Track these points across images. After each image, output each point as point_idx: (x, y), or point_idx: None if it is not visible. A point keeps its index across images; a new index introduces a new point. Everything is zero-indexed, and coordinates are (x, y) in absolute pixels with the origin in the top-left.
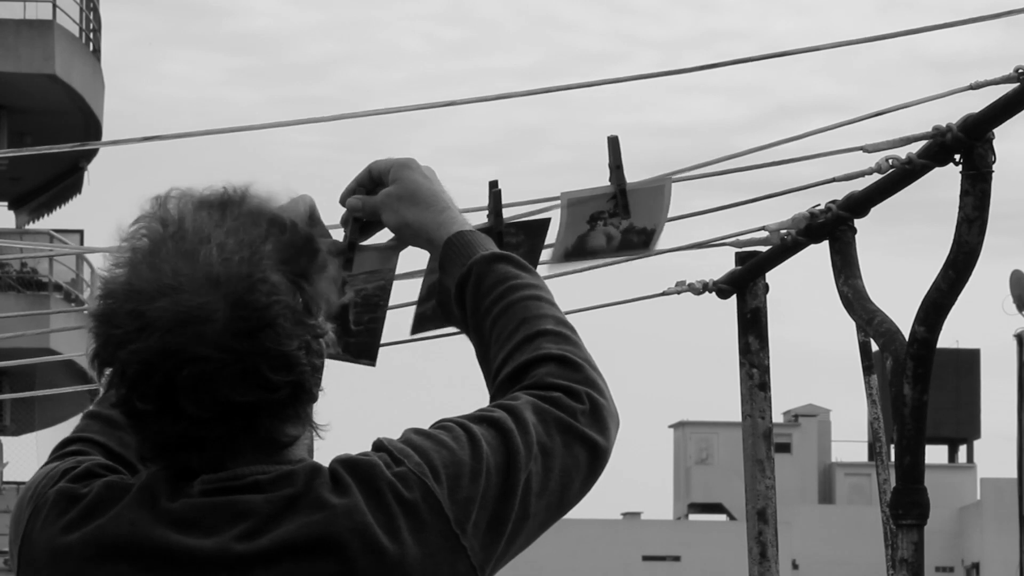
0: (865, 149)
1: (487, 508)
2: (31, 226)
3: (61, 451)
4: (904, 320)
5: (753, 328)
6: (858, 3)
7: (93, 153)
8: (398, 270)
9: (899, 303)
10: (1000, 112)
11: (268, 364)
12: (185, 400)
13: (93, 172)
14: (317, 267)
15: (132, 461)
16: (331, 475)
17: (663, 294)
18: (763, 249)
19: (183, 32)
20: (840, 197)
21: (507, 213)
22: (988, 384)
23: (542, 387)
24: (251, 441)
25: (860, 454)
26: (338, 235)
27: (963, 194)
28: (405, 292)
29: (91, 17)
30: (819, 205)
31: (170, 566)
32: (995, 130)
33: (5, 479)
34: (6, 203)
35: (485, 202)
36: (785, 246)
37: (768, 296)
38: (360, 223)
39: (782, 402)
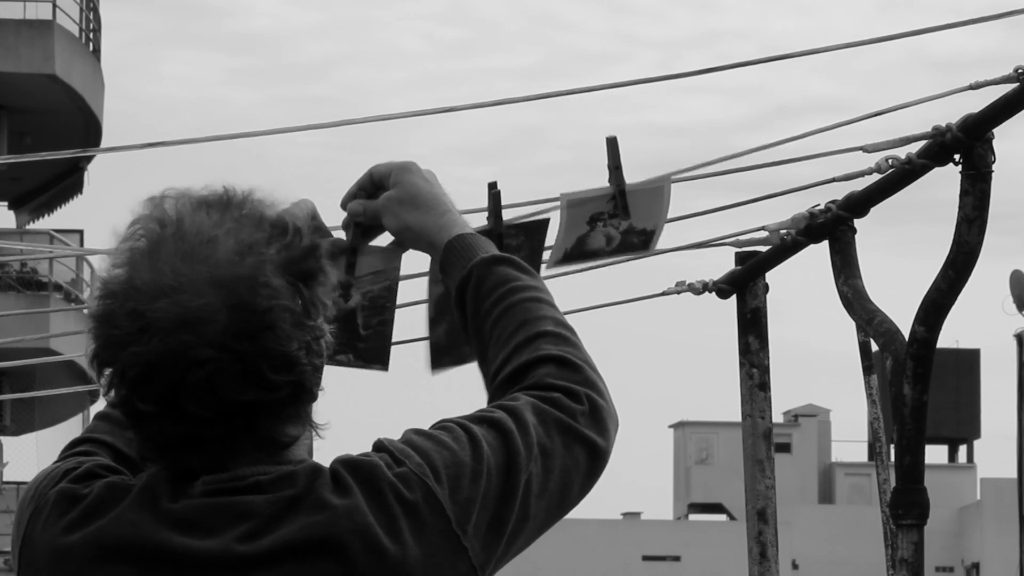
0: (865, 149)
1: (488, 509)
2: (31, 226)
3: (69, 451)
4: (904, 320)
5: (753, 328)
6: (858, 3)
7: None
8: (402, 271)
9: (899, 303)
10: (1000, 112)
11: (268, 365)
12: (186, 401)
13: (93, 172)
14: (317, 270)
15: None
16: (332, 476)
17: (663, 294)
18: (763, 249)
19: (183, 32)
20: (840, 197)
21: (507, 214)
22: (988, 384)
23: (542, 388)
24: (252, 441)
25: (860, 454)
26: (339, 238)
27: (963, 194)
28: (412, 292)
29: (91, 17)
30: (819, 205)
31: (172, 567)
32: (995, 130)
33: (5, 479)
34: (6, 203)
35: (484, 202)
36: (785, 246)
37: (768, 296)
38: (361, 228)
39: (782, 402)
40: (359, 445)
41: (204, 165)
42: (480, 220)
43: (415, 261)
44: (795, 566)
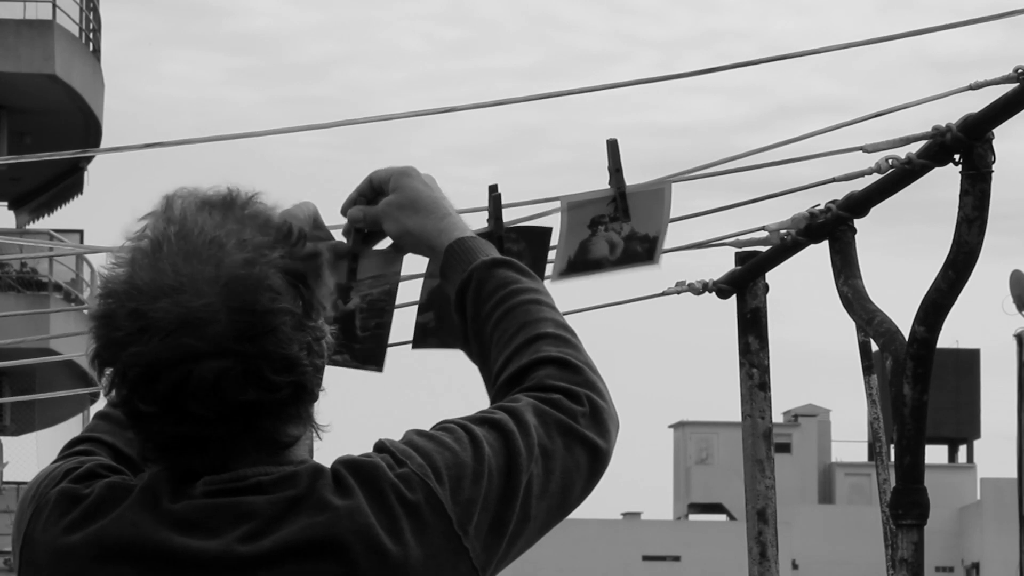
0: (865, 149)
1: (489, 510)
2: (31, 226)
3: (69, 451)
4: (904, 320)
5: (753, 328)
6: (858, 3)
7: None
8: (402, 273)
9: (899, 303)
10: (1000, 112)
11: (270, 366)
12: (187, 401)
13: (93, 172)
14: (319, 271)
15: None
16: (334, 476)
17: (663, 294)
18: (763, 249)
19: (183, 32)
20: (840, 197)
21: (507, 213)
22: (988, 384)
23: (542, 389)
24: (253, 441)
25: (860, 454)
26: (340, 241)
27: (963, 194)
28: (410, 293)
29: (91, 17)
30: (819, 205)
31: (173, 568)
32: (995, 130)
33: (5, 479)
34: (6, 203)
35: (484, 203)
36: (785, 246)
37: (768, 296)
38: (362, 234)
39: (782, 402)
40: (360, 446)
41: (204, 165)
42: (480, 220)
43: (415, 263)
44: (795, 566)
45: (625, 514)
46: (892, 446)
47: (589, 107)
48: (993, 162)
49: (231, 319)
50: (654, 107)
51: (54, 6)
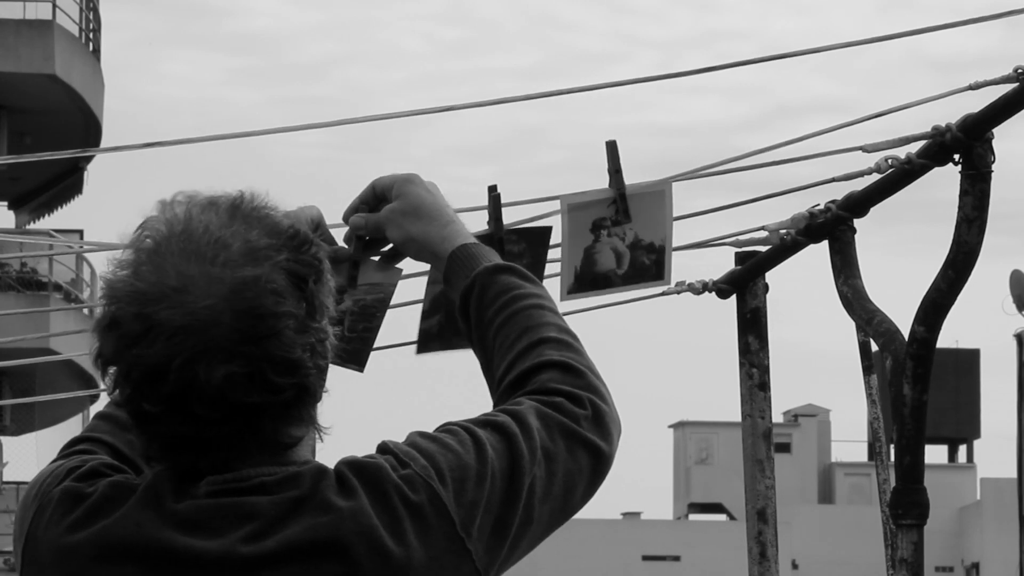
0: (865, 149)
1: (492, 512)
2: (31, 226)
3: (69, 450)
4: (904, 320)
5: (753, 328)
6: (858, 3)
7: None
8: (404, 273)
9: (899, 303)
10: (999, 112)
11: (273, 368)
12: (192, 403)
13: (93, 172)
14: (322, 273)
15: (140, 464)
16: (337, 477)
17: (663, 294)
18: (763, 249)
19: (183, 32)
20: (840, 197)
21: (506, 213)
22: (988, 384)
23: (545, 393)
24: (256, 442)
25: (860, 454)
26: (342, 246)
27: (962, 194)
28: (410, 294)
29: (91, 17)
30: (819, 205)
31: (176, 568)
32: (995, 130)
33: (5, 479)
34: (6, 203)
35: (484, 202)
36: (785, 246)
37: (768, 296)
38: (363, 241)
39: (782, 402)
40: (361, 447)
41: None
42: (480, 220)
43: (415, 266)
44: (795, 566)
45: (625, 514)
46: (892, 446)
47: (589, 107)
48: (993, 162)
49: (235, 322)
50: (654, 107)
51: (54, 6)
